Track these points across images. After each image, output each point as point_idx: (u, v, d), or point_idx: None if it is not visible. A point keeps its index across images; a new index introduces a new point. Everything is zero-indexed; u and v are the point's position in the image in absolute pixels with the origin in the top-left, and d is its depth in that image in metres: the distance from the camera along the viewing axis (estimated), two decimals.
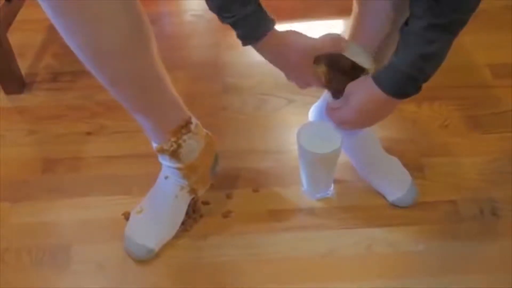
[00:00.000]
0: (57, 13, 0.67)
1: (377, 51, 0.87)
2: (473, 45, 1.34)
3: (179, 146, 0.89)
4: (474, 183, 1.06)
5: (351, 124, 0.90)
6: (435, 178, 1.07)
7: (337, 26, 1.45)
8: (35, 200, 1.05)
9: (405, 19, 0.78)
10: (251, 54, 0.82)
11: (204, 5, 0.74)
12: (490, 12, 1.42)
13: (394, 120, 1.16)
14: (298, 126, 0.97)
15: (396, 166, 1.04)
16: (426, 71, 0.79)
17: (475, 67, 1.31)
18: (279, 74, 0.87)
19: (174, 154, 0.89)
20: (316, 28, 0.80)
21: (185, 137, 0.89)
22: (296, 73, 0.86)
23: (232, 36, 0.77)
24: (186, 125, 0.89)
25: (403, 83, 0.80)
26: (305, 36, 0.81)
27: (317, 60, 0.84)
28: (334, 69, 0.87)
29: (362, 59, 0.85)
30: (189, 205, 0.98)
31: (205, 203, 1.03)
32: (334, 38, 0.82)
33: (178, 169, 0.92)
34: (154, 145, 0.90)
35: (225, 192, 1.05)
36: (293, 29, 0.81)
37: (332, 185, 1.05)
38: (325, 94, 1.03)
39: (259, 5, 0.75)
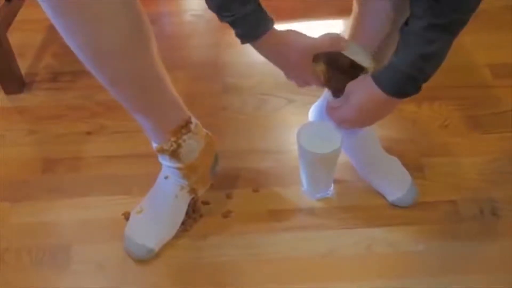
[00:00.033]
0: (57, 13, 0.67)
1: (377, 51, 0.87)
2: (473, 45, 1.34)
3: (179, 146, 0.89)
4: (474, 183, 1.06)
5: (351, 123, 0.90)
6: (435, 178, 1.07)
7: (337, 26, 1.45)
8: (35, 200, 1.05)
9: (405, 19, 0.78)
10: (251, 54, 0.82)
11: (204, 5, 0.74)
12: (490, 12, 1.42)
13: (394, 120, 1.16)
14: (298, 126, 0.97)
15: (396, 166, 1.04)
16: (426, 71, 0.79)
17: (475, 67, 1.31)
18: (279, 74, 0.87)
19: (174, 154, 0.89)
20: (316, 28, 0.80)
21: (185, 137, 0.89)
22: (295, 72, 0.86)
23: (232, 36, 0.77)
24: (186, 125, 0.89)
25: (403, 83, 0.80)
26: (305, 36, 0.81)
27: (316, 58, 0.83)
28: (333, 67, 0.87)
29: (361, 58, 0.85)
30: (189, 205, 0.98)
31: (205, 203, 1.03)
32: (333, 37, 0.82)
33: (178, 169, 0.92)
34: (154, 145, 0.90)
35: (225, 192, 1.05)
36: (292, 29, 0.81)
37: (332, 185, 1.05)
38: (325, 94, 1.03)
39: (259, 4, 0.75)
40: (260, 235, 0.98)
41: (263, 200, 1.04)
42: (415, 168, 1.06)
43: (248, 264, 0.95)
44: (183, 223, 0.98)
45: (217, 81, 1.30)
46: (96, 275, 0.94)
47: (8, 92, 1.28)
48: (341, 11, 1.44)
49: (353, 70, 0.86)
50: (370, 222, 1.00)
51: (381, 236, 0.97)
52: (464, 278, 0.91)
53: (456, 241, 0.97)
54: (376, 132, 1.04)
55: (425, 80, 0.80)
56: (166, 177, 0.95)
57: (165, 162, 0.92)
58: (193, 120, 0.91)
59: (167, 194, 0.95)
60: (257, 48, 0.80)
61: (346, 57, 0.84)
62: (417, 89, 0.81)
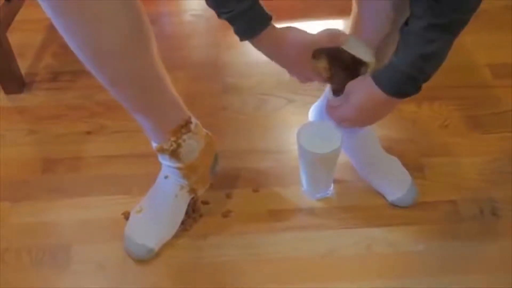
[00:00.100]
0: (57, 13, 0.67)
1: (377, 51, 0.87)
2: (473, 45, 1.34)
3: (179, 145, 0.89)
4: (474, 183, 1.06)
5: (351, 122, 0.90)
6: (435, 178, 1.07)
7: (337, 26, 1.44)
8: (35, 200, 1.05)
9: (405, 19, 0.78)
10: (251, 54, 0.82)
11: (204, 5, 0.74)
12: (491, 12, 1.42)
13: (394, 120, 1.16)
14: (298, 126, 0.97)
15: (396, 166, 1.04)
16: (426, 71, 0.79)
17: (475, 67, 1.31)
18: (279, 74, 0.87)
19: (174, 154, 0.89)
20: (315, 28, 0.80)
21: (185, 136, 0.89)
22: (296, 68, 0.86)
23: (232, 36, 0.77)
24: (186, 125, 0.89)
25: (403, 83, 0.80)
26: (304, 32, 0.81)
27: (317, 55, 0.83)
28: (335, 63, 0.86)
29: (362, 52, 0.84)
30: (189, 205, 0.98)
31: (205, 202, 1.03)
32: (332, 33, 0.82)
33: (178, 168, 0.92)
34: (154, 144, 0.90)
35: (225, 192, 1.05)
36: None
37: (332, 185, 1.05)
38: (325, 94, 1.03)
39: (256, 1, 0.75)
40: (260, 235, 0.98)
41: (263, 200, 1.04)
42: (415, 168, 1.06)
43: (248, 264, 0.95)
44: (183, 223, 0.98)
45: (217, 81, 1.30)
46: (96, 275, 0.94)
47: (8, 92, 1.28)
48: (341, 11, 1.44)
49: (354, 64, 0.85)
50: (370, 222, 1.00)
51: (381, 236, 0.97)
52: (464, 278, 0.91)
53: (456, 241, 0.97)
54: (376, 132, 1.04)
55: (425, 80, 0.80)
56: (166, 177, 0.95)
57: (165, 161, 0.92)
58: (193, 120, 0.91)
59: (167, 193, 0.95)
60: (256, 46, 0.80)
61: (346, 52, 0.84)
62: (417, 89, 0.81)
